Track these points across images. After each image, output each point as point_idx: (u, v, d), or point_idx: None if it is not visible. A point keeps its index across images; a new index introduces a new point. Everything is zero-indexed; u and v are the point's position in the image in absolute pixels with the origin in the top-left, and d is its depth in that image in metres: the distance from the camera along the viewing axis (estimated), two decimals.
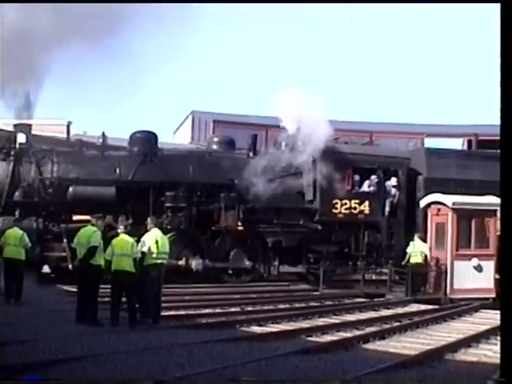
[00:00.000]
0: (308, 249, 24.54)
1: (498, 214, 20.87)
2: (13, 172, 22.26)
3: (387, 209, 24.78)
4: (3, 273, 17.29)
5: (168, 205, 23.14)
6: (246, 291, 21.67)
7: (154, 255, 14.49)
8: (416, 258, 21.56)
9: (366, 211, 24.57)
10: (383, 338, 14.08)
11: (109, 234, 16.62)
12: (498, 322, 15.70)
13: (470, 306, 19.47)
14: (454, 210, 21.43)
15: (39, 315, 14.80)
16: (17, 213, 21.44)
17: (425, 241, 21.94)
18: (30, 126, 23.03)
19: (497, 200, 21.07)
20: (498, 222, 20.92)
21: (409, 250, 21.91)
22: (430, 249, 21.91)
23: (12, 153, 22.43)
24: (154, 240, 14.57)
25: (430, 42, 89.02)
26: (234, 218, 23.57)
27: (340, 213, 24.39)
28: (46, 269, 21.16)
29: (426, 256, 21.65)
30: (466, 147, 46.04)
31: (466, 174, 24.88)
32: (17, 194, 22.13)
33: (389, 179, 24.94)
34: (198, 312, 16.93)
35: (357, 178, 25.01)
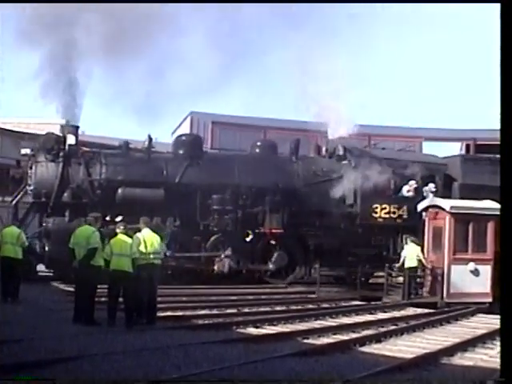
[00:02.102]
0: (348, 252, 24.89)
1: (497, 218, 20.87)
2: (62, 173, 22.55)
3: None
4: (0, 272, 17.28)
5: (215, 207, 23.65)
6: (243, 293, 21.68)
7: (142, 256, 14.42)
8: (411, 262, 21.54)
9: (405, 216, 24.91)
10: (380, 341, 14.08)
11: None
12: (494, 327, 15.78)
13: (466, 310, 19.49)
14: (451, 214, 21.43)
15: (36, 314, 14.81)
16: (66, 213, 21.69)
17: (418, 244, 21.95)
18: (77, 127, 23.29)
19: (494, 204, 21.11)
20: (496, 227, 20.93)
21: (403, 254, 21.91)
22: (428, 252, 21.92)
23: (61, 154, 22.61)
24: (142, 241, 14.52)
25: (429, 45, 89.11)
26: (278, 220, 24.01)
27: (380, 217, 24.86)
28: None
29: (420, 259, 21.64)
30: (464, 152, 46.11)
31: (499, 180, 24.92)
32: (65, 194, 22.42)
33: (426, 185, 25.14)
34: (195, 313, 16.92)
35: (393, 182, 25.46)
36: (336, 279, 25.37)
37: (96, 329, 13.46)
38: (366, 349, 13.28)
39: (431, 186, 25.08)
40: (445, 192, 25.16)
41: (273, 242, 24.46)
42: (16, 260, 17.23)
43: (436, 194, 24.89)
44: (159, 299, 15.46)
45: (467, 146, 47.50)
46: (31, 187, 22.60)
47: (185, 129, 48.75)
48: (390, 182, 25.14)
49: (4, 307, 15.79)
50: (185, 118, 49.30)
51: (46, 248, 21.33)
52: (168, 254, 22.54)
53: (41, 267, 22.26)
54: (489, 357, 12.87)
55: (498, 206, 20.63)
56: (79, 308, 14.18)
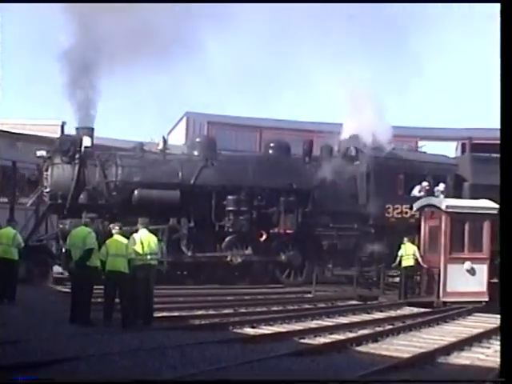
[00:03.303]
0: (361, 252, 25.16)
1: (492, 217, 20.92)
2: (78, 175, 22.68)
3: None
4: None
5: (230, 208, 23.95)
6: (240, 293, 21.68)
7: (140, 256, 14.38)
8: (408, 261, 21.57)
9: (417, 215, 24.85)
10: (376, 340, 14.08)
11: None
12: (491, 326, 15.81)
13: (462, 309, 19.50)
14: (447, 213, 21.45)
15: (32, 315, 14.77)
16: (83, 215, 21.66)
17: (414, 243, 21.99)
18: (93, 129, 23.43)
19: (490, 204, 21.13)
20: (492, 226, 20.98)
21: (400, 253, 21.94)
22: (424, 252, 21.93)
23: (77, 156, 22.70)
24: (139, 241, 14.48)
25: (426, 45, 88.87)
26: (292, 221, 24.28)
27: (392, 217, 24.97)
28: None
29: (417, 259, 21.67)
30: (459, 151, 46.15)
31: None
32: (82, 196, 22.58)
33: (437, 185, 25.25)
34: (192, 313, 16.91)
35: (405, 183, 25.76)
36: (348, 279, 25.43)
37: (92, 329, 13.44)
38: (362, 348, 13.28)
39: (442, 186, 25.19)
40: (456, 192, 25.29)
41: (287, 243, 24.71)
42: (12, 261, 17.20)
43: (447, 194, 24.98)
44: (156, 300, 15.43)
45: (463, 145, 47.53)
46: (47, 189, 22.68)
47: (181, 129, 48.71)
48: (402, 182, 25.31)
49: (0, 308, 15.75)
50: (180, 119, 49.23)
51: (63, 249, 21.43)
52: (189, 254, 22.83)
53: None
54: (485, 356, 12.89)
55: (493, 205, 20.70)
56: (75, 309, 14.16)
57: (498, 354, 11.06)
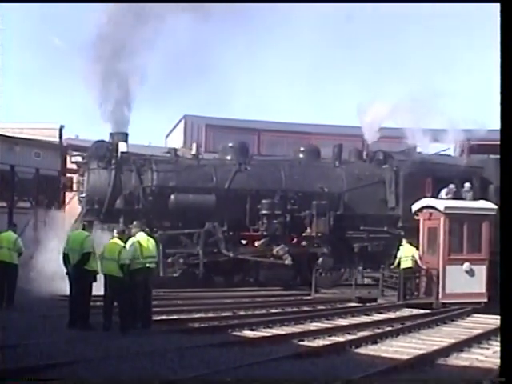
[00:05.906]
0: (390, 254, 24.98)
1: (491, 218, 20.94)
2: (114, 180, 22.80)
3: None
4: None
5: (264, 212, 24.08)
6: (239, 296, 21.68)
7: (138, 260, 14.35)
8: (406, 263, 21.58)
9: None
10: (375, 342, 14.09)
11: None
12: (490, 327, 15.81)
13: (461, 310, 19.51)
14: (446, 214, 21.47)
15: (31, 320, 14.76)
16: (121, 220, 21.76)
17: (413, 245, 22.00)
18: (127, 134, 23.53)
19: (489, 205, 21.15)
20: (490, 226, 21.00)
21: (399, 254, 21.96)
22: (423, 253, 21.94)
23: (113, 161, 22.83)
24: (138, 245, 14.43)
25: (425, 46, 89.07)
26: (324, 224, 24.42)
27: None
28: None
29: (416, 260, 21.67)
30: (458, 152, 46.13)
31: None
32: (118, 201, 22.69)
33: (463, 187, 25.38)
34: (190, 316, 16.89)
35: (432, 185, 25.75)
36: (377, 281, 25.48)
37: (91, 333, 13.44)
38: (361, 350, 13.28)
39: (467, 185, 25.22)
40: (482, 195, 25.32)
41: (319, 245, 24.83)
42: (11, 265, 17.21)
43: (473, 196, 24.99)
44: (154, 303, 15.42)
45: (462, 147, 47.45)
46: (84, 194, 22.85)
47: (179, 132, 48.69)
48: (430, 185, 25.42)
49: None
50: (178, 122, 49.20)
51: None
52: (231, 254, 23.23)
53: None
54: (484, 357, 12.89)
55: (492, 205, 20.72)
56: (74, 313, 14.15)
57: (498, 355, 11.08)
